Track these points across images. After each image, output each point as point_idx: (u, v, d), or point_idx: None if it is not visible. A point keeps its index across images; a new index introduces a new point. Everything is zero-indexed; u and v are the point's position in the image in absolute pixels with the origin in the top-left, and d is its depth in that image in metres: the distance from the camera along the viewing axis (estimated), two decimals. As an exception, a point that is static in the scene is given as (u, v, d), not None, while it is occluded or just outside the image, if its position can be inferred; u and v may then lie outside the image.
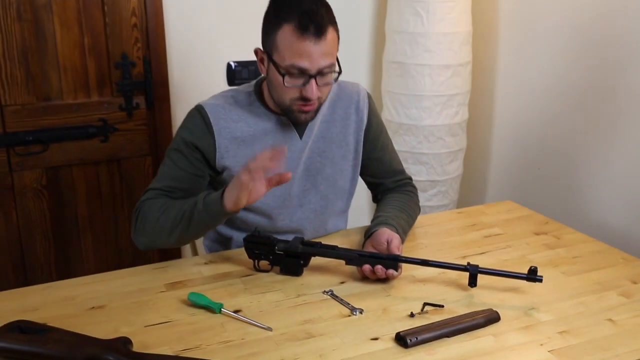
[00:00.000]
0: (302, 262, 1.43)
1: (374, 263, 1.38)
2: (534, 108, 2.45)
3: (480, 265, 1.36)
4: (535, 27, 2.39)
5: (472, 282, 1.36)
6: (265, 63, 1.45)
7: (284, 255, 1.43)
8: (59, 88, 2.26)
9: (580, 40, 2.20)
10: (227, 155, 1.51)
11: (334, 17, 1.41)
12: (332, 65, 1.41)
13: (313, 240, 1.47)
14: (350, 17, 2.67)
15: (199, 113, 1.51)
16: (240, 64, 2.45)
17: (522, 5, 2.45)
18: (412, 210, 1.66)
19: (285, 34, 1.36)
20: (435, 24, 2.39)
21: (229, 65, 2.46)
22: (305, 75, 1.39)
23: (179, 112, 2.41)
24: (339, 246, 1.44)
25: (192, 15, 2.41)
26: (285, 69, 1.39)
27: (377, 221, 1.55)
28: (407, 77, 2.48)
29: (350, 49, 2.73)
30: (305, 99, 1.42)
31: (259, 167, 1.29)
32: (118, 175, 2.43)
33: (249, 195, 1.32)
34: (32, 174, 2.29)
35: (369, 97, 1.66)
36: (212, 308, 1.28)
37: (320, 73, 1.39)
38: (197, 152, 1.51)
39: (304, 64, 1.37)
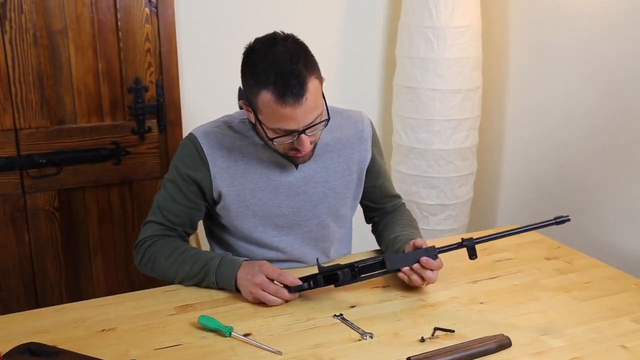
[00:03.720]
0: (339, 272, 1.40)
1: (411, 261, 1.39)
2: (544, 132, 2.45)
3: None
4: (546, 51, 2.40)
5: (473, 255, 1.37)
6: (253, 117, 1.43)
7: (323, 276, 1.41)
8: (72, 112, 2.29)
9: (590, 65, 2.21)
10: (222, 184, 1.51)
11: (312, 64, 1.36)
12: (320, 115, 1.39)
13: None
14: (361, 42, 2.70)
15: (191, 143, 1.51)
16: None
17: (532, 30, 2.46)
18: (416, 224, 1.69)
19: (266, 101, 1.33)
20: (446, 50, 2.40)
21: (240, 90, 2.48)
22: (294, 132, 1.38)
23: (191, 136, 2.43)
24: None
25: (204, 40, 2.44)
26: (272, 131, 1.39)
27: (400, 244, 1.53)
28: (418, 102, 2.49)
29: (362, 74, 2.75)
30: (298, 149, 1.42)
31: (267, 282, 1.39)
32: (129, 197, 2.44)
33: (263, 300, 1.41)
34: (45, 196, 2.31)
35: (372, 125, 1.66)
36: (222, 331, 1.28)
37: (309, 126, 1.38)
38: (192, 185, 1.51)
39: (291, 126, 1.36)
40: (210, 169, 1.50)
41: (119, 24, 2.26)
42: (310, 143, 1.42)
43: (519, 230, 1.39)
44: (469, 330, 1.31)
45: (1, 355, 1.14)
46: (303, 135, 1.38)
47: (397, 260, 1.41)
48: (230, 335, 1.28)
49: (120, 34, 2.27)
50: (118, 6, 2.24)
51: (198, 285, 1.49)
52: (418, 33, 2.44)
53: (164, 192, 1.55)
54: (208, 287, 1.48)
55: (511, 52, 2.57)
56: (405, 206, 1.77)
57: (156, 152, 2.43)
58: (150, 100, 2.38)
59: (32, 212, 2.30)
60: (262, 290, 1.38)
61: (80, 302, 1.44)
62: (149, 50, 2.33)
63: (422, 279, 1.42)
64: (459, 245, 1.39)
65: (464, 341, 1.25)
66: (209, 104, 2.44)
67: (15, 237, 2.30)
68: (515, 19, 2.53)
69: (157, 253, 1.51)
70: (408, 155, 2.57)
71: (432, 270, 1.40)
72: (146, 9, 2.28)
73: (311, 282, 1.40)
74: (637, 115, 2.04)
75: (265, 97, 1.33)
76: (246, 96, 1.42)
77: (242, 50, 1.42)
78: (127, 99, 2.34)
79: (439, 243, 1.65)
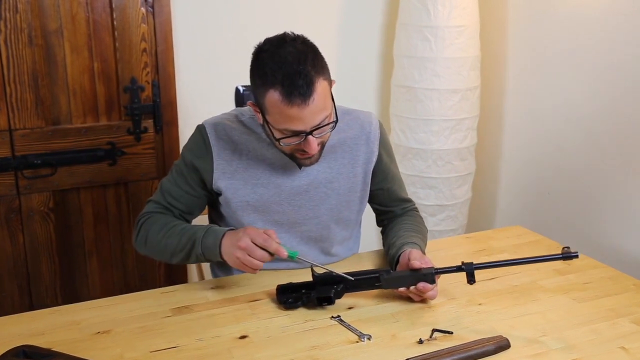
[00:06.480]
0: (335, 286, 1.40)
1: (407, 283, 1.37)
2: (543, 132, 2.44)
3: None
4: (544, 51, 2.39)
5: (472, 279, 1.34)
6: (260, 117, 1.42)
7: (319, 284, 1.40)
8: (68, 112, 2.27)
9: (589, 65, 2.20)
10: (223, 176, 1.51)
11: (321, 65, 1.35)
12: (328, 116, 1.38)
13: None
14: (359, 42, 2.69)
15: (200, 133, 1.54)
16: (248, 88, 2.46)
17: (530, 30, 2.46)
18: (424, 229, 1.66)
19: (273, 101, 1.32)
20: (444, 49, 2.40)
21: (237, 90, 2.47)
22: (301, 134, 1.36)
23: (187, 136, 2.40)
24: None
25: (200, 41, 2.43)
26: (279, 132, 1.38)
27: (395, 250, 1.52)
28: (416, 102, 2.48)
29: (359, 74, 2.74)
30: (305, 151, 1.40)
31: (252, 247, 1.35)
32: (125, 198, 2.43)
33: (246, 268, 1.38)
34: (40, 197, 2.29)
35: (381, 127, 1.63)
36: (291, 257, 1.35)
37: (317, 127, 1.36)
38: (194, 173, 1.53)
39: (298, 127, 1.35)
40: (214, 159, 1.51)
41: (115, 23, 2.25)
42: (318, 145, 1.41)
43: (521, 261, 1.35)
44: (468, 332, 1.30)
45: (-6, 359, 1.12)
46: (310, 136, 1.37)
47: (393, 281, 1.39)
48: (295, 259, 1.36)
49: (116, 33, 2.26)
50: (114, 6, 2.23)
51: (187, 259, 1.48)
52: (416, 32, 2.43)
53: (169, 175, 1.58)
54: (197, 260, 1.48)
55: (509, 51, 2.57)
56: (417, 211, 1.72)
57: (152, 153, 2.42)
58: (146, 100, 2.36)
59: (26, 213, 2.28)
60: (248, 255, 1.36)
61: (75, 304, 1.43)
62: (145, 50, 2.31)
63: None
64: (457, 269, 1.36)
65: (462, 343, 1.24)
66: (205, 104, 2.43)
67: (9, 239, 2.28)
68: (513, 19, 2.53)
69: (150, 228, 1.52)
70: (406, 156, 2.56)
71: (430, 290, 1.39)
72: (142, 8, 2.27)
73: (304, 299, 1.40)
74: (636, 115, 2.04)
75: (273, 97, 1.32)
76: (254, 97, 1.41)
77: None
78: (123, 99, 2.33)
79: (442, 244, 1.64)
